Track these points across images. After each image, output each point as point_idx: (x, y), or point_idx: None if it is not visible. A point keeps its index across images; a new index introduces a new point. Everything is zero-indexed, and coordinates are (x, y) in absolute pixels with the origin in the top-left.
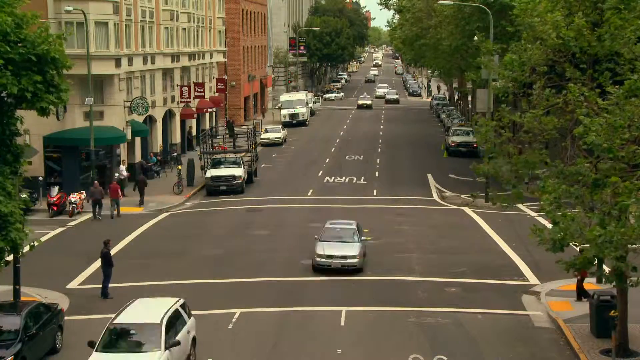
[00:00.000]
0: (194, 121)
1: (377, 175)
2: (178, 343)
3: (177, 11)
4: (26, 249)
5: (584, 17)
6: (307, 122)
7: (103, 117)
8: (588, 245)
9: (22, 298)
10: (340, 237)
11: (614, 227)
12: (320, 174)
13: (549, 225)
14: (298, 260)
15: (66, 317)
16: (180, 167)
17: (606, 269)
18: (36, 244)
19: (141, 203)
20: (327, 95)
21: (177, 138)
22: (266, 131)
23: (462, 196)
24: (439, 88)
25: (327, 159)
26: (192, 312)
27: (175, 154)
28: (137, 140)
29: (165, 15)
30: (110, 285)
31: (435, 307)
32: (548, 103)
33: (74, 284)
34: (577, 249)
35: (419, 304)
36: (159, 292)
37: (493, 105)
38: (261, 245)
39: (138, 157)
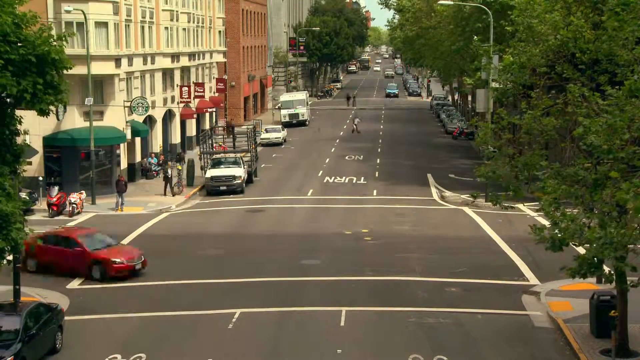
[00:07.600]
0: (193, 121)
1: (377, 175)
2: None
3: (177, 11)
4: None
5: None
6: (307, 122)
7: (103, 117)
8: (588, 245)
9: (22, 298)
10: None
11: (614, 228)
12: (320, 174)
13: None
14: (298, 260)
15: (66, 317)
16: (180, 167)
17: (606, 269)
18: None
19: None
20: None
21: (177, 138)
22: (266, 131)
23: (462, 196)
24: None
25: (327, 159)
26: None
27: (179, 153)
28: (137, 140)
29: (165, 15)
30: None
31: (436, 307)
32: (548, 103)
33: (74, 284)
34: (577, 249)
35: (419, 304)
36: (159, 292)
37: (493, 106)
38: (261, 245)
39: (138, 157)
